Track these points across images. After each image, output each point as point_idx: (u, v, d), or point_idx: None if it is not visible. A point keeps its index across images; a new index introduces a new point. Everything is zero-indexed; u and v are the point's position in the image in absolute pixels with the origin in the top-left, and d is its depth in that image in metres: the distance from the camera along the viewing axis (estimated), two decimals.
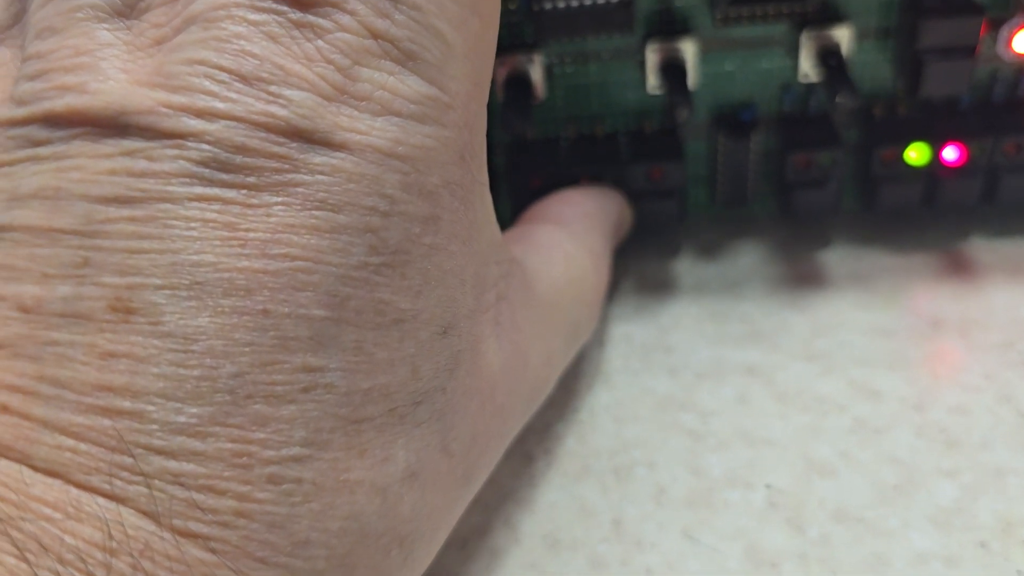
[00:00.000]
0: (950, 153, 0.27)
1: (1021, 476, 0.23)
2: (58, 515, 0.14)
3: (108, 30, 0.16)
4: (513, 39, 0.26)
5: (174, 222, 0.15)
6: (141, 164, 0.15)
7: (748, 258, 0.29)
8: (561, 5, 0.25)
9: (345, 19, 0.16)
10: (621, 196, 0.28)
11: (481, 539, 0.23)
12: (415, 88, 0.16)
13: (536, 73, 0.26)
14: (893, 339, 0.26)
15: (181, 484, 0.14)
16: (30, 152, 0.16)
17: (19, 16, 0.18)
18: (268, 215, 0.15)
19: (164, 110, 0.15)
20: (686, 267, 0.29)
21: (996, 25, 0.26)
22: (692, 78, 0.26)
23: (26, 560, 0.13)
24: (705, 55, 0.26)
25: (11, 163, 0.16)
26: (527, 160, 0.28)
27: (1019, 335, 0.26)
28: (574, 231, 0.25)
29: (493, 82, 0.26)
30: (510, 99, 0.26)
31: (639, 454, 0.24)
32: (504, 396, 0.20)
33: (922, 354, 0.26)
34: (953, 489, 0.23)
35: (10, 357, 0.15)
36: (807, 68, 0.26)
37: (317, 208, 0.15)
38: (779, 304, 0.28)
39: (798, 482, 0.23)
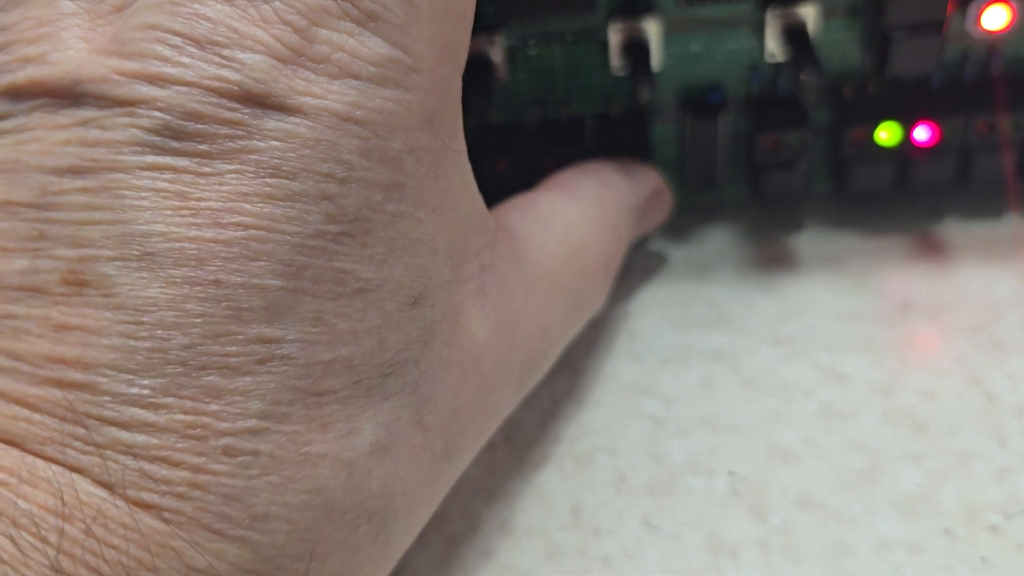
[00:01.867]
0: (922, 133, 0.27)
1: (987, 461, 0.22)
2: (12, 480, 0.14)
3: None
4: (474, 21, 0.26)
5: (125, 192, 0.15)
6: (94, 133, 0.15)
7: (716, 242, 0.29)
8: None
9: None
10: (658, 176, 0.27)
11: (438, 527, 0.22)
12: (375, 50, 0.16)
13: (497, 55, 0.26)
14: (862, 323, 0.26)
15: (134, 455, 0.14)
16: None
17: None
18: (220, 183, 0.15)
19: (117, 77, 0.15)
20: (653, 251, 0.29)
21: (964, 2, 0.25)
22: (656, 59, 0.26)
23: None
24: (669, 35, 0.26)
25: None
26: (492, 144, 0.27)
27: (990, 318, 0.25)
28: (581, 198, 0.24)
29: None
30: (470, 82, 0.25)
31: (600, 440, 0.24)
32: (491, 367, 0.19)
33: (891, 338, 0.25)
34: (918, 475, 0.22)
35: None
36: (773, 47, 0.25)
37: (271, 175, 0.15)
38: (747, 288, 0.27)
39: (761, 469, 0.23)
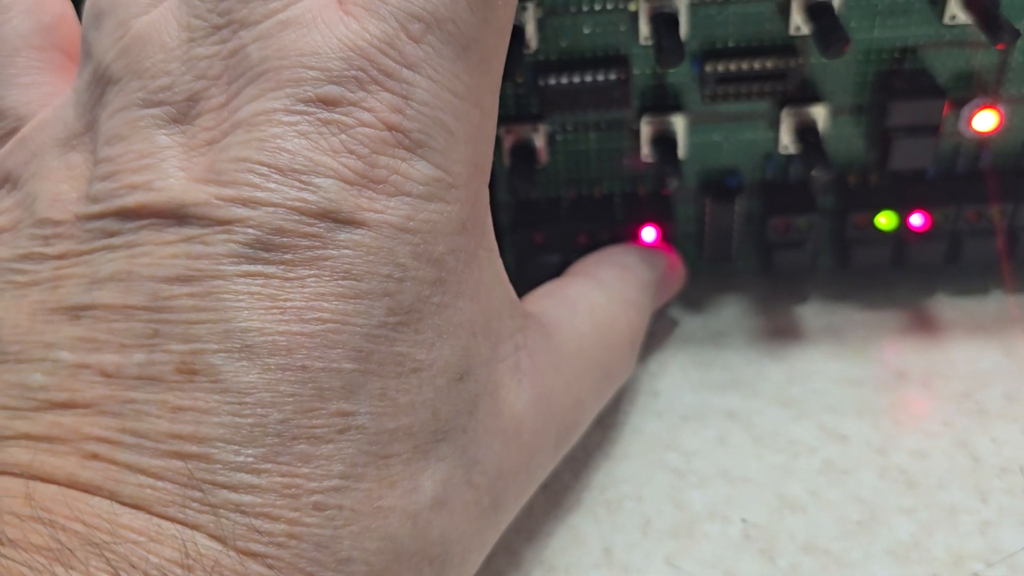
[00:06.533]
0: (917, 219, 0.29)
1: (972, 514, 0.25)
2: (143, 539, 0.16)
3: (166, 135, 0.20)
4: (520, 110, 0.29)
5: (226, 295, 0.18)
6: (198, 248, 0.18)
7: (731, 311, 0.32)
8: (564, 81, 0.27)
9: (365, 115, 0.19)
10: (668, 255, 0.30)
11: (485, 564, 0.25)
12: (423, 171, 0.19)
13: (539, 140, 0.29)
14: (861, 388, 0.29)
15: (242, 512, 0.17)
16: (105, 242, 0.19)
17: (90, 125, 0.21)
18: (303, 286, 0.18)
19: (216, 201, 0.18)
20: (672, 318, 0.32)
21: (959, 104, 0.28)
22: (682, 148, 0.29)
23: None
24: (694, 127, 0.29)
25: (90, 252, 0.19)
26: (530, 219, 0.30)
27: (977, 386, 0.28)
28: (604, 281, 0.27)
29: (501, 148, 0.29)
30: (516, 165, 0.28)
31: (628, 488, 0.27)
32: (529, 435, 0.22)
33: (887, 402, 0.28)
34: (911, 525, 0.25)
35: (96, 414, 0.18)
36: (787, 141, 0.28)
37: (343, 278, 0.18)
38: (758, 353, 0.30)
39: (771, 517, 0.26)
